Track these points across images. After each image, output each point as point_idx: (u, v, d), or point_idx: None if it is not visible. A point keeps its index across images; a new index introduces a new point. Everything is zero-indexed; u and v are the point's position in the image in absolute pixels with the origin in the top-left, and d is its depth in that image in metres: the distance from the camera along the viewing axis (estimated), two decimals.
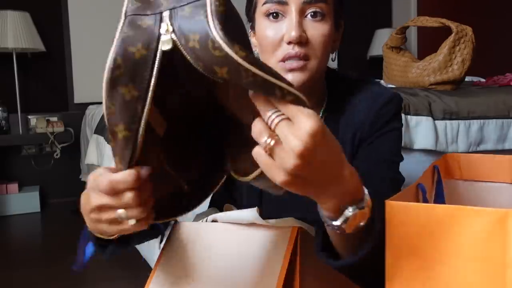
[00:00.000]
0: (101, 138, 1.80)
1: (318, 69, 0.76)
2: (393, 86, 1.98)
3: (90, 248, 0.68)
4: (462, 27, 1.80)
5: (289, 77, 0.74)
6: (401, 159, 0.83)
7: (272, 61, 0.75)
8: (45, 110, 2.99)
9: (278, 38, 0.74)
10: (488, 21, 3.42)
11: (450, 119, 1.68)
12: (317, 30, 0.74)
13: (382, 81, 2.14)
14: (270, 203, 0.82)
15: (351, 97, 0.82)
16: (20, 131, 2.84)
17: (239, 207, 0.82)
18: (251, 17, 0.81)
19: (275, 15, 0.74)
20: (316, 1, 0.73)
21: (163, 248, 0.80)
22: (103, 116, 1.97)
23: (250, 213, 0.71)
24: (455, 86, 1.85)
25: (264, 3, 0.75)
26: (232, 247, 0.74)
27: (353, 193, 0.51)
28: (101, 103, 2.20)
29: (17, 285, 1.65)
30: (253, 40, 0.82)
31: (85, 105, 2.86)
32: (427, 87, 1.85)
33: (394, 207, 0.60)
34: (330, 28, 0.76)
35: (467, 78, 2.24)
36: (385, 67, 2.06)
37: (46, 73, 3.05)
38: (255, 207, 0.71)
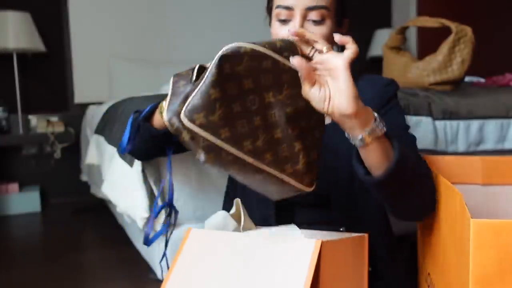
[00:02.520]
0: (101, 138, 1.80)
1: None
2: None
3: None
4: (461, 27, 1.80)
5: None
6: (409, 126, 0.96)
7: None
8: (46, 110, 2.99)
9: (285, 37, 0.83)
10: (487, 21, 3.42)
11: (450, 119, 1.68)
12: (317, 31, 0.87)
13: None
14: None
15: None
16: (21, 131, 2.84)
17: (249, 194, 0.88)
18: (269, 13, 0.97)
19: (284, 21, 0.89)
20: (317, 7, 0.87)
21: (178, 254, 0.79)
22: (103, 116, 1.98)
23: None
24: (454, 86, 1.86)
25: (277, 7, 0.90)
26: (249, 258, 0.72)
27: (367, 120, 0.68)
28: (101, 103, 2.18)
29: (17, 285, 1.65)
30: (272, 30, 0.95)
31: (85, 105, 2.86)
32: (426, 87, 1.85)
33: (481, 225, 0.56)
34: (329, 29, 0.89)
35: (467, 78, 2.24)
36: (385, 67, 2.06)
37: (46, 73, 3.05)
38: None
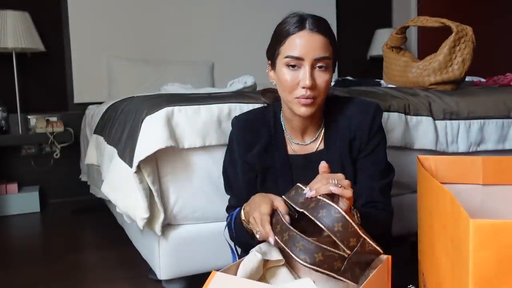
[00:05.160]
0: (101, 138, 1.80)
1: (321, 102, 1.10)
2: (393, 86, 1.97)
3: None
4: (462, 27, 1.80)
5: (302, 109, 1.07)
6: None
7: (290, 97, 1.07)
8: (45, 110, 2.99)
9: (295, 82, 1.05)
10: (488, 21, 3.42)
11: (450, 119, 1.68)
12: (322, 78, 1.06)
13: (382, 81, 2.13)
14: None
15: (343, 110, 1.16)
16: (20, 131, 2.84)
17: (274, 191, 1.01)
18: (273, 58, 1.11)
19: (294, 66, 1.05)
20: (323, 58, 1.04)
21: None
22: (102, 116, 1.97)
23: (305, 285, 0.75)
24: (455, 86, 1.85)
25: (286, 57, 1.05)
26: None
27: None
28: (100, 103, 2.18)
29: (17, 285, 1.64)
30: (271, 74, 1.14)
31: (84, 105, 2.85)
32: (427, 87, 1.84)
33: (481, 226, 0.56)
34: (330, 75, 1.08)
35: (467, 78, 2.24)
36: (385, 67, 2.06)
37: (45, 73, 3.05)
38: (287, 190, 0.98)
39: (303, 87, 1.04)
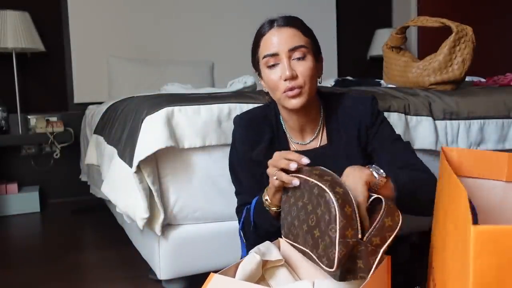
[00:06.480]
0: (101, 138, 1.80)
1: (310, 92, 1.10)
2: (393, 86, 1.97)
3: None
4: (462, 27, 1.80)
5: (292, 102, 1.08)
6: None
7: (279, 94, 1.09)
8: (45, 110, 2.99)
9: (277, 78, 1.08)
10: (488, 21, 3.42)
11: (450, 119, 1.68)
12: (302, 66, 1.08)
13: (382, 81, 2.13)
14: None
15: (341, 104, 1.19)
16: (20, 131, 2.84)
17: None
18: (256, 67, 1.15)
19: (273, 65, 1.09)
20: (297, 48, 1.07)
21: None
22: (102, 116, 1.97)
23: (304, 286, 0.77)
24: (455, 86, 1.85)
25: (264, 57, 1.09)
26: None
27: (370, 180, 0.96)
28: (100, 103, 2.17)
29: (17, 285, 1.64)
30: (262, 83, 1.16)
31: (85, 105, 2.85)
32: (427, 87, 1.84)
33: (482, 232, 0.56)
34: (311, 63, 1.09)
35: (467, 78, 2.24)
36: (385, 67, 2.06)
37: (45, 73, 3.05)
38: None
39: (285, 79, 1.06)
